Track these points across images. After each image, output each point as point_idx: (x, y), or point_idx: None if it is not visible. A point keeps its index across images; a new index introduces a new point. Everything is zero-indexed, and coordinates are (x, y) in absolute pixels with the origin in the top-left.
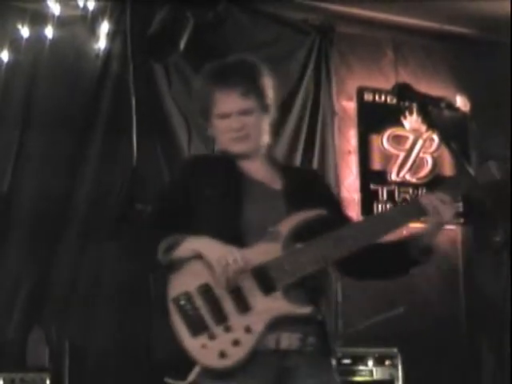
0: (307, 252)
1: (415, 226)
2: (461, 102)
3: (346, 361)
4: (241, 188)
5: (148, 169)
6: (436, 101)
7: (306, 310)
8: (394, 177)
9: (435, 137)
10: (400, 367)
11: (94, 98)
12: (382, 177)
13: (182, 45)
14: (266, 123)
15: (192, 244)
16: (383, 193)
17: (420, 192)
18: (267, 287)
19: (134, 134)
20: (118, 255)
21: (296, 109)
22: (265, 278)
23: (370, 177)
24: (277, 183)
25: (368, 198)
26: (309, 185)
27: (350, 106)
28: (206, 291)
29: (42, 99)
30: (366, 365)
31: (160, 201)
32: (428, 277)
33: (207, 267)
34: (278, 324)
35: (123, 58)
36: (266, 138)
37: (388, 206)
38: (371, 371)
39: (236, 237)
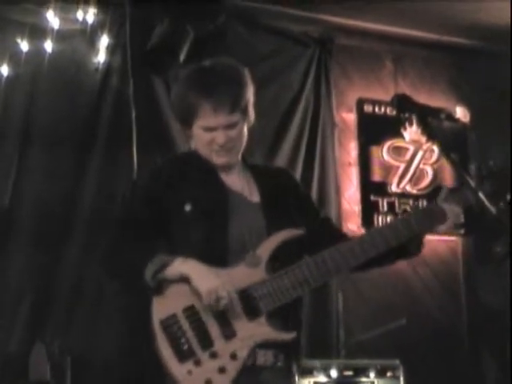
0: (290, 277)
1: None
2: (460, 113)
3: (348, 372)
4: (226, 202)
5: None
6: (436, 112)
7: (289, 335)
8: (394, 188)
9: (435, 148)
10: (402, 379)
11: (95, 111)
12: (382, 188)
13: (181, 58)
14: (245, 131)
15: (181, 267)
16: (384, 204)
17: (420, 203)
18: (251, 312)
19: (134, 146)
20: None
21: (296, 121)
22: (249, 303)
23: (371, 188)
24: (254, 195)
25: (368, 210)
26: (284, 191)
27: (350, 117)
28: (193, 314)
29: (42, 113)
30: (368, 376)
31: (128, 214)
32: (429, 287)
33: (193, 290)
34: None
35: (123, 72)
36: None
37: (388, 217)
38: (373, 383)
39: (222, 255)
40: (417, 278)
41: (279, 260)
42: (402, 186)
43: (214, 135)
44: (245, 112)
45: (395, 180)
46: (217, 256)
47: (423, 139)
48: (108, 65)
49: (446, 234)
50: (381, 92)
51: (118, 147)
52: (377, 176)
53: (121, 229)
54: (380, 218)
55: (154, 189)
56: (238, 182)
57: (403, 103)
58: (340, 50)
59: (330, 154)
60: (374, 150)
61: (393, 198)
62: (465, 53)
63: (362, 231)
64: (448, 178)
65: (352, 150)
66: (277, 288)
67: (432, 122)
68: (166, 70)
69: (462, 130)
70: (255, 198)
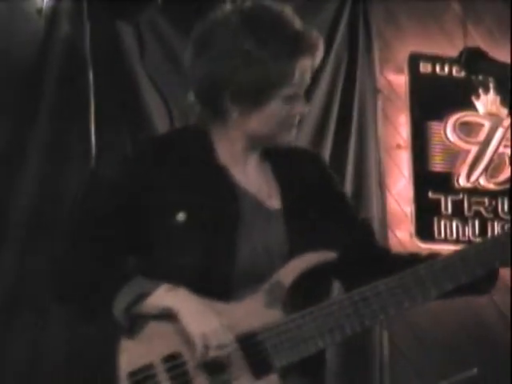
0: (317, 320)
1: None
2: None
3: None
4: (237, 209)
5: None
6: None
7: None
8: (462, 181)
9: None
10: None
11: (36, 70)
12: (445, 181)
13: None
14: None
15: (165, 299)
16: (447, 204)
17: (500, 203)
18: (260, 368)
19: (91, 121)
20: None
21: (322, 85)
22: (258, 354)
23: (429, 181)
24: (274, 197)
25: (425, 212)
26: (314, 190)
27: (400, 80)
28: (176, 366)
29: None
30: None
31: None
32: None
33: (181, 332)
34: None
35: (76, 16)
36: None
37: (454, 222)
38: None
39: (225, 284)
40: (493, 308)
41: (303, 293)
42: (473, 178)
43: (294, 105)
44: None
45: (464, 170)
46: (218, 284)
47: (504, 112)
48: (55, 7)
49: None
50: (444, 44)
51: (70, 120)
52: (438, 164)
53: (76, 237)
54: (442, 224)
55: (128, 183)
56: (255, 178)
57: (476, 61)
58: None
59: (370, 132)
60: (434, 127)
61: (460, 196)
62: None
63: (417, 242)
64: None
65: (402, 126)
66: (297, 335)
67: None
68: (137, 13)
69: None
70: (275, 201)
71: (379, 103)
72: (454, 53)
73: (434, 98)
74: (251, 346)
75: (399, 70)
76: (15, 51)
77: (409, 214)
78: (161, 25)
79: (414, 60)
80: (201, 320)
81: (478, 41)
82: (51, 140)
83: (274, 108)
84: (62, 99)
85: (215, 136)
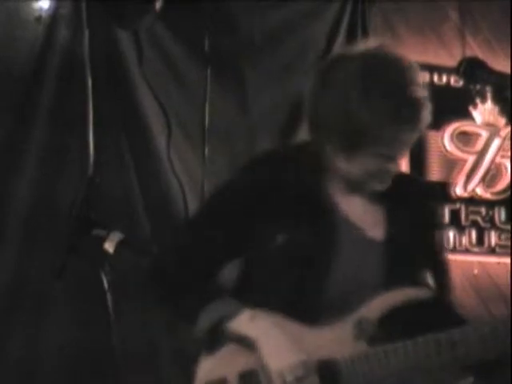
0: (399, 356)
1: None
2: None
3: None
4: (336, 235)
5: (110, 178)
6: None
7: None
8: (459, 191)
9: None
10: None
11: (34, 77)
12: (442, 191)
13: (158, 3)
14: None
15: (246, 327)
16: (444, 213)
17: (497, 213)
18: None
19: (89, 128)
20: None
21: None
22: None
23: None
24: (378, 227)
25: None
26: (423, 227)
27: None
28: (251, 382)
29: None
30: None
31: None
32: None
33: (259, 358)
34: None
35: (75, 23)
36: None
37: (451, 232)
38: None
39: (313, 309)
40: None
41: (392, 328)
42: (470, 187)
43: (386, 161)
44: None
45: (461, 179)
46: (306, 309)
47: (501, 121)
48: (54, 13)
49: None
50: (442, 54)
51: (67, 127)
52: (435, 173)
53: (189, 234)
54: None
55: (250, 197)
56: (360, 208)
57: (474, 70)
58: None
59: None
60: (432, 136)
61: (457, 205)
62: None
63: None
64: None
65: None
66: (375, 369)
67: None
68: (136, 21)
69: None
70: (378, 231)
71: None
72: (451, 63)
73: (432, 108)
74: (329, 375)
75: None
76: (14, 58)
77: None
78: (158, 32)
79: None
80: (279, 354)
81: (476, 51)
82: (49, 146)
83: (364, 160)
84: (61, 105)
85: (326, 162)
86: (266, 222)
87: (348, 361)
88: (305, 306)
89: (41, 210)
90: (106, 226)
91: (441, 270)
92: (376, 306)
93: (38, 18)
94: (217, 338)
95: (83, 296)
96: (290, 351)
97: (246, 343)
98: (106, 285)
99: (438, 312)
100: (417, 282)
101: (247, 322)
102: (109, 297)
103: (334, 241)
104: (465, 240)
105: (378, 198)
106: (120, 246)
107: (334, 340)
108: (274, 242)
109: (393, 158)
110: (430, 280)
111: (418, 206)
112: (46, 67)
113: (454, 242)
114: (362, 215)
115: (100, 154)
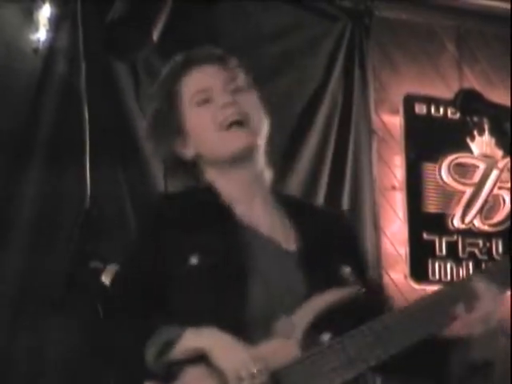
0: (336, 353)
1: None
2: None
3: None
4: (245, 251)
5: (107, 210)
6: None
7: None
8: (457, 223)
9: None
10: None
11: (32, 107)
12: (440, 222)
13: (155, 35)
14: (262, 108)
15: (194, 341)
16: (442, 245)
17: (494, 245)
18: None
19: (86, 160)
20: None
21: (318, 125)
22: None
23: (424, 222)
24: (290, 239)
25: (420, 253)
26: (333, 239)
27: (395, 121)
28: None
29: None
30: None
31: (127, 270)
32: None
33: (215, 370)
34: None
35: (72, 54)
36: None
37: (449, 264)
38: None
39: (239, 328)
40: None
41: (323, 331)
42: (468, 219)
43: (217, 101)
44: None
45: (459, 211)
46: (231, 327)
47: (498, 153)
48: (51, 45)
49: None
50: (439, 86)
51: (65, 159)
52: (432, 205)
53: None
54: (437, 265)
55: (160, 232)
56: (266, 219)
57: (471, 102)
58: (382, 26)
59: (365, 173)
60: (429, 168)
61: (455, 237)
62: None
63: (411, 283)
64: None
65: (397, 168)
66: (314, 372)
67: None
68: (133, 52)
69: None
70: (291, 244)
71: (375, 145)
72: (449, 94)
73: (429, 140)
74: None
75: (394, 111)
76: (12, 89)
77: (403, 255)
78: (155, 63)
79: (409, 101)
80: (231, 354)
81: (474, 82)
82: (46, 178)
83: (191, 125)
84: (58, 137)
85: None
86: (176, 244)
87: (283, 369)
88: (229, 324)
89: (40, 243)
90: (103, 259)
91: (360, 263)
92: (306, 313)
93: (36, 50)
94: (169, 366)
95: (80, 327)
96: (240, 350)
97: (198, 357)
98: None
99: (367, 306)
100: (339, 281)
101: (194, 337)
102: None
103: (246, 255)
104: (462, 272)
105: (285, 216)
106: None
107: (266, 354)
108: (188, 263)
109: (209, 93)
110: (352, 276)
111: (329, 224)
112: (44, 99)
113: (452, 274)
114: (271, 226)
115: (97, 186)
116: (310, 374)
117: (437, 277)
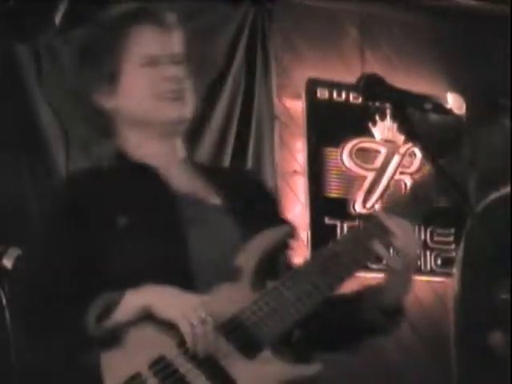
0: (291, 288)
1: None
2: (453, 102)
3: None
4: (173, 207)
5: (8, 198)
6: (419, 100)
7: (313, 368)
8: (358, 207)
9: (417, 151)
10: None
11: None
12: (341, 207)
13: (57, 18)
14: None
15: (136, 299)
16: (343, 230)
17: None
18: (249, 348)
19: None
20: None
21: (220, 110)
22: (242, 336)
23: (325, 207)
24: (212, 195)
25: (321, 237)
26: (250, 191)
27: (297, 106)
28: (165, 367)
29: None
30: None
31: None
32: (409, 350)
33: (161, 331)
34: None
35: None
36: None
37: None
38: None
39: (184, 281)
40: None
41: (268, 272)
42: (369, 204)
43: (160, 71)
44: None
45: (360, 196)
46: (176, 283)
47: (400, 138)
48: None
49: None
50: (341, 70)
51: None
52: (334, 190)
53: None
54: None
55: (77, 198)
56: (187, 180)
57: (373, 87)
58: (284, 11)
59: (266, 158)
60: (331, 152)
61: (356, 222)
62: (462, 17)
63: None
64: None
65: (299, 152)
66: (276, 306)
67: (413, 115)
68: (35, 36)
69: (456, 126)
70: (214, 199)
71: (276, 129)
72: (351, 79)
73: (331, 124)
74: (233, 331)
75: (297, 96)
76: None
77: (305, 239)
78: (58, 48)
79: (312, 86)
80: (176, 302)
81: (376, 67)
82: None
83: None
84: None
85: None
86: (98, 210)
87: (242, 311)
88: (180, 275)
89: None
90: (4, 242)
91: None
92: (250, 255)
93: None
94: (112, 331)
95: None
96: (186, 297)
97: (142, 316)
98: (3, 301)
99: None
100: (268, 225)
101: (135, 296)
102: (7, 314)
103: (179, 212)
104: None
105: (202, 177)
106: (18, 261)
107: (220, 302)
108: (116, 226)
109: (158, 61)
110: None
111: (242, 181)
112: None
113: None
114: (193, 186)
115: None
116: (273, 309)
117: None
